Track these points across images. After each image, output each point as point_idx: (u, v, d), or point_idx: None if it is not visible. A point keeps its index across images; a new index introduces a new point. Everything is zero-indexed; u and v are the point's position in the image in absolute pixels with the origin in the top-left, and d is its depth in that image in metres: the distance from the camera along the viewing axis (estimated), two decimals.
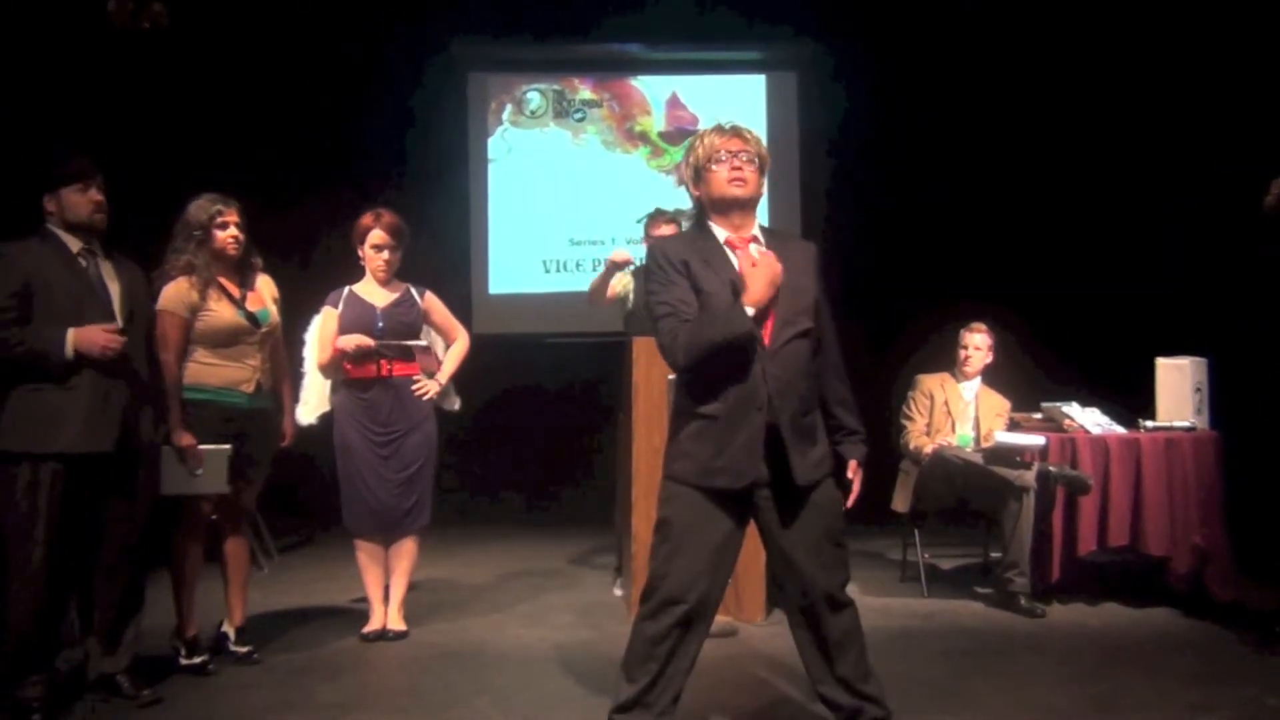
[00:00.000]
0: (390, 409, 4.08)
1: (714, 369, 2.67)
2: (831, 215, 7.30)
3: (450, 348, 4.29)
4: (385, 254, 4.09)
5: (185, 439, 3.55)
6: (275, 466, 4.00)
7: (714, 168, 2.74)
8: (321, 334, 4.12)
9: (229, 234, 3.72)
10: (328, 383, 4.19)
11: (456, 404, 4.39)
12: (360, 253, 4.13)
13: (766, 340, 2.67)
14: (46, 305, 3.17)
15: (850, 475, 2.85)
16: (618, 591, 4.88)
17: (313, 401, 4.17)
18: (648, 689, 2.69)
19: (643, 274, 4.77)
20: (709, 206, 2.80)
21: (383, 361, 4.07)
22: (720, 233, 2.78)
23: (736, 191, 2.74)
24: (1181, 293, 5.93)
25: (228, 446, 3.63)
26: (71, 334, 3.15)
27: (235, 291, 3.76)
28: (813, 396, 2.77)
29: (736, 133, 2.78)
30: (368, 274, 4.15)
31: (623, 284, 4.77)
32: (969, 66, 6.87)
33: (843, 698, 2.77)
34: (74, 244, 3.31)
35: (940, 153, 6.99)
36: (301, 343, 4.23)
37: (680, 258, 2.73)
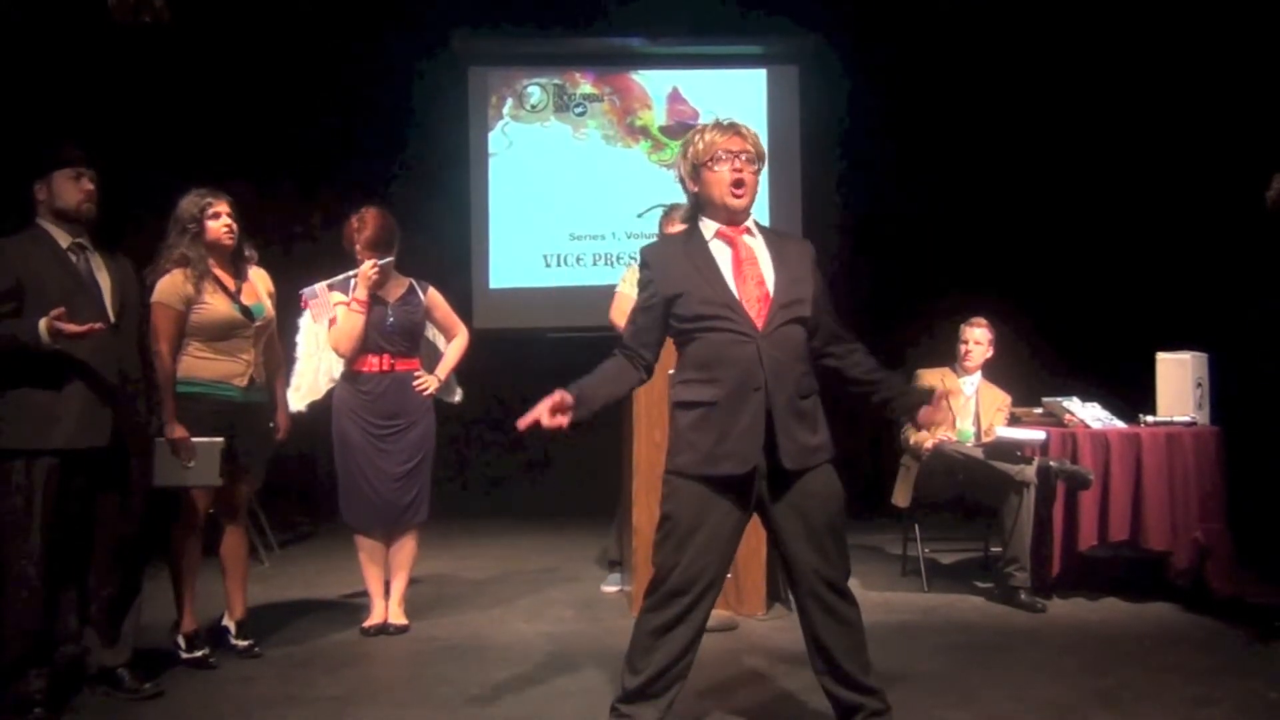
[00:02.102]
0: (389, 403, 4.07)
1: (713, 355, 2.69)
2: (833, 209, 7.29)
3: (450, 343, 4.29)
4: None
5: (177, 431, 3.55)
6: (274, 461, 4.00)
7: (715, 168, 2.75)
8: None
9: (222, 224, 3.72)
10: (319, 370, 4.16)
11: (458, 396, 4.38)
12: (353, 252, 4.10)
13: (761, 324, 2.69)
14: (39, 302, 3.14)
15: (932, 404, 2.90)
16: (608, 588, 4.87)
17: (304, 388, 4.14)
18: (652, 680, 2.70)
19: None
20: (704, 204, 2.82)
21: (385, 355, 4.07)
22: (711, 226, 2.81)
23: (736, 203, 2.76)
24: (1182, 287, 5.93)
25: (220, 439, 3.63)
26: (44, 322, 3.07)
27: (230, 285, 3.75)
28: (809, 380, 2.78)
29: (735, 130, 2.78)
30: None
31: (631, 283, 4.77)
32: (970, 60, 6.86)
33: (842, 691, 2.78)
34: (64, 239, 3.29)
35: (941, 147, 6.98)
36: (295, 328, 4.21)
37: (662, 268, 2.78)
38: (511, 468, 7.49)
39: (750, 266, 2.75)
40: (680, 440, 2.75)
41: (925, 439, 4.84)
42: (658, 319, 2.80)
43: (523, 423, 2.71)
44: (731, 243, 2.78)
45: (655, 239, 5.07)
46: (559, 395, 2.71)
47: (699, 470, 2.69)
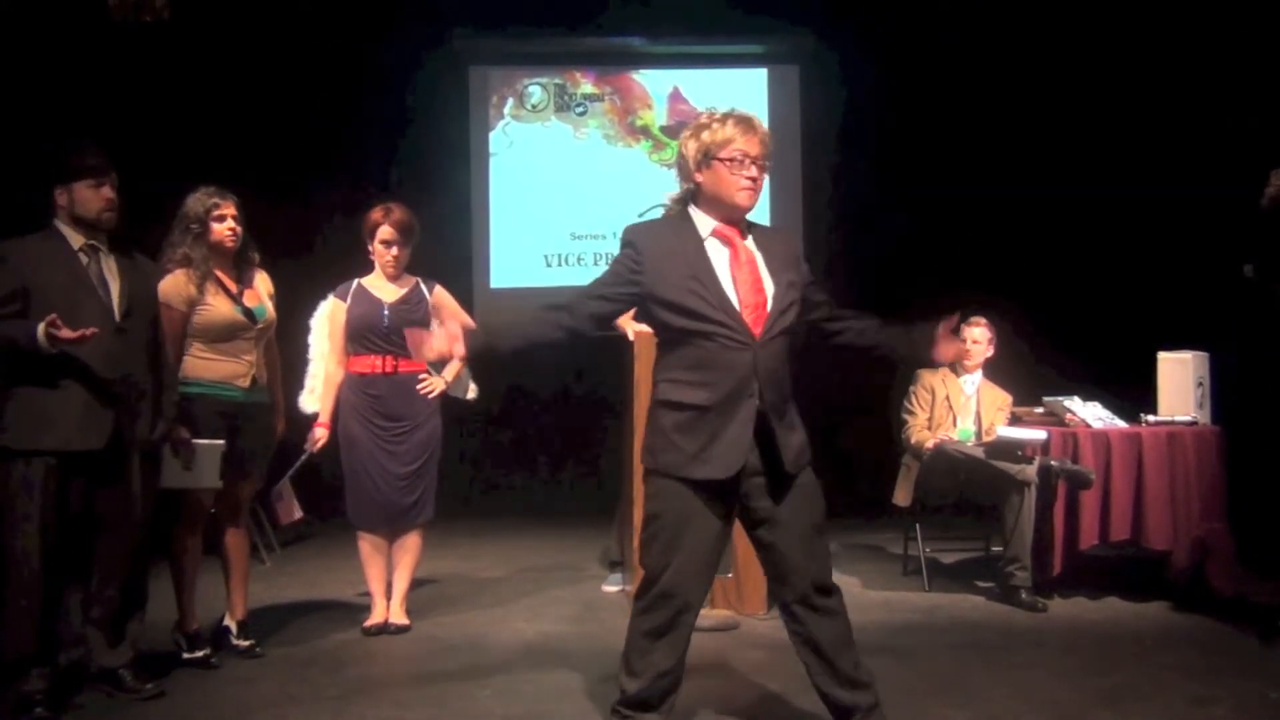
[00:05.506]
0: (396, 404, 4.07)
1: (707, 360, 2.65)
2: (833, 209, 7.29)
3: None
4: (394, 250, 4.07)
5: (179, 433, 3.56)
6: (277, 459, 4.01)
7: (729, 165, 2.67)
8: (331, 328, 4.12)
9: (226, 226, 3.71)
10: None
11: (471, 393, 4.38)
12: (370, 246, 4.12)
13: (758, 331, 2.66)
14: (42, 304, 3.15)
15: (946, 327, 2.86)
16: (609, 588, 4.87)
17: (317, 390, 4.16)
18: (653, 683, 2.70)
19: None
20: (705, 196, 2.74)
21: (386, 357, 4.07)
22: (706, 222, 2.74)
23: (746, 202, 2.71)
24: (1182, 287, 5.93)
25: (220, 442, 3.63)
26: (41, 326, 3.06)
27: (232, 286, 3.75)
28: (789, 383, 2.76)
29: (754, 129, 2.69)
30: (376, 267, 4.14)
31: None
32: (971, 59, 6.85)
33: (839, 691, 2.77)
34: (76, 240, 3.30)
35: (942, 146, 6.98)
36: (306, 329, 4.21)
37: (655, 261, 2.70)
38: (512, 467, 7.49)
39: (750, 271, 2.70)
40: (664, 440, 2.69)
41: (927, 438, 4.84)
42: (626, 304, 2.76)
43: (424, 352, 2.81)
44: (730, 244, 2.72)
45: None
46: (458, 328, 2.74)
47: (681, 472, 2.65)
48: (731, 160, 2.68)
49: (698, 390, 2.66)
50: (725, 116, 2.72)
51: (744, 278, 2.69)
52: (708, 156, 2.70)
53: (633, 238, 2.76)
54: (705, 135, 2.71)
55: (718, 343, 2.65)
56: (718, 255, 2.72)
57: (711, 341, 2.66)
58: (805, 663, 2.80)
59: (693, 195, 2.78)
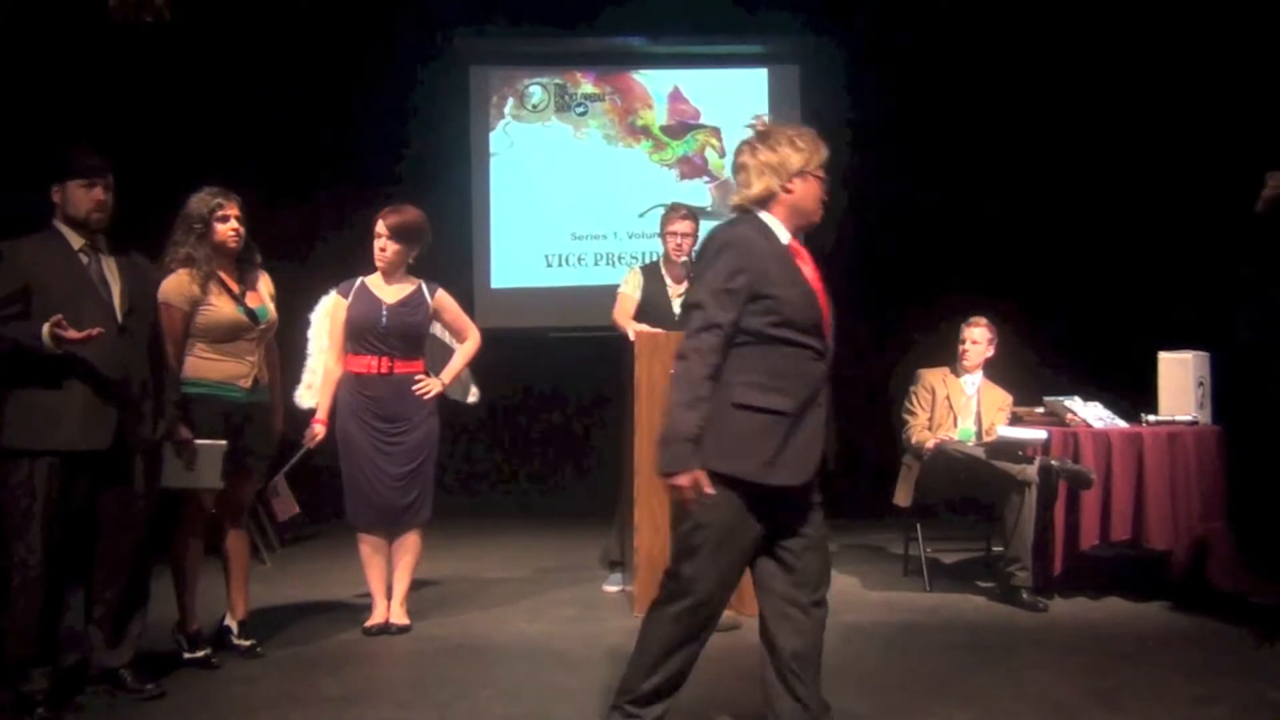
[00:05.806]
0: (393, 405, 4.07)
1: (790, 368, 2.63)
2: (834, 208, 7.26)
3: (461, 345, 4.29)
4: (380, 242, 4.07)
5: (181, 433, 3.56)
6: (279, 459, 4.01)
7: (817, 182, 2.73)
8: (332, 324, 4.12)
9: (229, 227, 3.72)
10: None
11: (473, 397, 4.39)
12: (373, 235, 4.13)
13: (830, 343, 2.70)
14: (43, 304, 3.16)
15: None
16: (609, 588, 4.88)
17: (315, 385, 4.16)
18: (663, 684, 2.69)
19: (655, 269, 4.81)
20: (790, 206, 2.71)
21: (383, 358, 4.07)
22: (783, 231, 2.73)
23: (818, 221, 2.78)
24: (1183, 287, 5.93)
25: (222, 443, 3.63)
26: (46, 327, 3.07)
27: (235, 287, 3.75)
28: None
29: None
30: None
31: (633, 285, 4.79)
32: (972, 60, 6.86)
33: (814, 697, 2.74)
34: (76, 240, 3.30)
35: (943, 146, 6.98)
36: (306, 323, 4.21)
37: (759, 262, 2.61)
38: (512, 468, 7.49)
39: (821, 285, 2.72)
40: (739, 443, 2.59)
41: (927, 438, 4.84)
42: (741, 310, 2.61)
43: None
44: (801, 256, 2.73)
45: (657, 239, 5.07)
46: (693, 476, 2.55)
47: (754, 477, 2.59)
48: (819, 177, 2.74)
49: (776, 395, 2.62)
50: (816, 136, 2.76)
51: (820, 291, 2.71)
52: (803, 171, 2.71)
53: (731, 240, 2.67)
54: (804, 145, 2.71)
55: (803, 351, 2.64)
56: (800, 266, 2.72)
57: (798, 349, 2.64)
58: (793, 671, 2.71)
59: (764, 202, 2.73)
